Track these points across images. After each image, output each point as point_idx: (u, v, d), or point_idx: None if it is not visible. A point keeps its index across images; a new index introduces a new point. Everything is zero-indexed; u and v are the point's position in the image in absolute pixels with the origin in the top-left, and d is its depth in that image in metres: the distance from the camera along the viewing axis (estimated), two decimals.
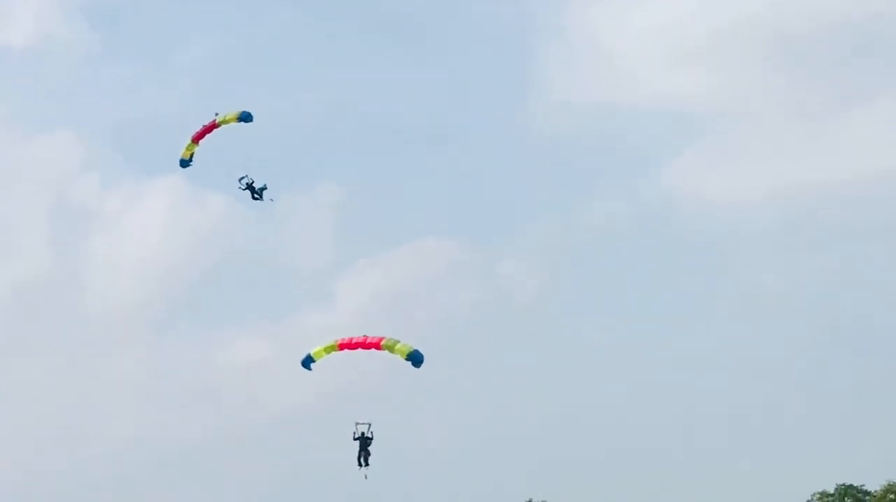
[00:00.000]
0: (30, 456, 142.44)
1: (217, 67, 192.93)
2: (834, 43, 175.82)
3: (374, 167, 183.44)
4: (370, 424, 53.00)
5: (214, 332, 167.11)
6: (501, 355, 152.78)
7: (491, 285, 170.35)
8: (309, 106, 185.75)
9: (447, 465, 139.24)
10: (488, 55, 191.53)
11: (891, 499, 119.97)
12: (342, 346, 50.72)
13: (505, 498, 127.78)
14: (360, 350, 50.37)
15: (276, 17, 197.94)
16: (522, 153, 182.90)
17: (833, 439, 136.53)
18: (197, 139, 57.91)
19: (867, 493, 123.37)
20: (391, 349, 50.42)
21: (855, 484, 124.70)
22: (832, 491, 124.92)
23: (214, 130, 56.78)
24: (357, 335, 51.55)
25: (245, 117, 56.00)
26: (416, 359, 50.98)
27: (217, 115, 56.79)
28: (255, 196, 57.89)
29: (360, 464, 53.34)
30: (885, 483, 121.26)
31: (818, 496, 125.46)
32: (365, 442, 53.66)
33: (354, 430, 53.76)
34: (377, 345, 50.35)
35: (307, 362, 51.75)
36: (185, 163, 59.08)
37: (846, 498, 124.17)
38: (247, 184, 58.30)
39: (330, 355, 50.78)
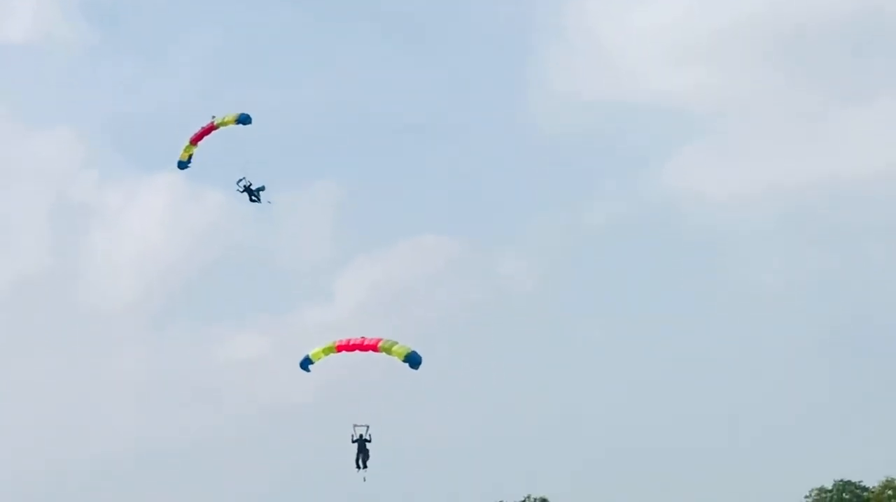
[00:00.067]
0: (28, 452, 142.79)
1: (216, 64, 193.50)
2: (833, 42, 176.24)
3: (374, 164, 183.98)
4: (368, 427, 53.09)
5: (213, 329, 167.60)
6: (500, 352, 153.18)
7: (490, 283, 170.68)
8: (308, 103, 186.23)
9: (445, 462, 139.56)
10: (488, 53, 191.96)
11: (888, 496, 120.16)
12: (340, 348, 50.92)
13: (504, 495, 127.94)
14: (357, 352, 50.65)
15: (275, 14, 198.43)
16: (522, 151, 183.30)
17: (831, 436, 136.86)
18: (195, 141, 58.01)
19: (865, 489, 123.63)
20: (388, 351, 50.57)
21: (853, 481, 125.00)
22: (830, 488, 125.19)
23: (213, 132, 56.93)
24: (355, 336, 51.77)
25: (243, 119, 56.03)
26: (413, 360, 51.09)
27: (214, 117, 56.90)
28: (253, 198, 57.94)
29: (358, 467, 53.30)
30: (883, 479, 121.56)
31: (816, 492, 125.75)
32: (363, 444, 53.60)
33: (352, 433, 53.77)
34: (374, 347, 50.53)
35: (305, 364, 51.95)
36: (183, 164, 59.17)
37: (844, 495, 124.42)
38: (245, 186, 58.32)
39: (328, 357, 50.98)
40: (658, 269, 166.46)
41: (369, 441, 53.18)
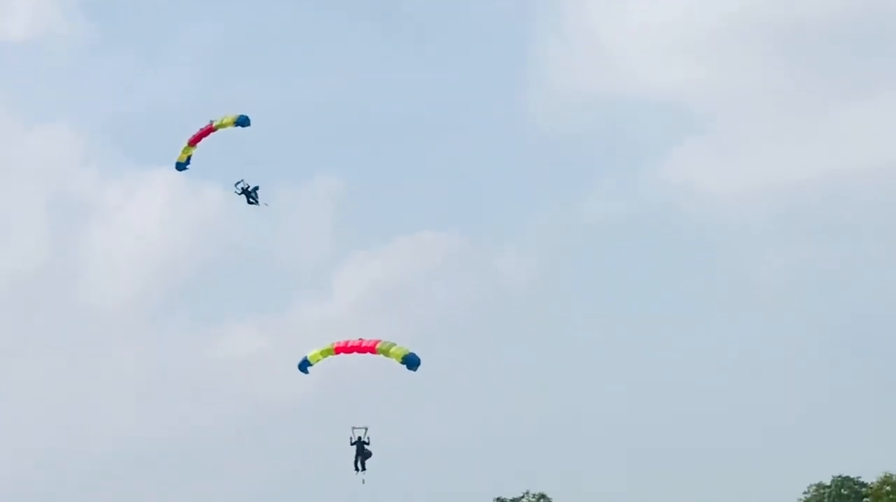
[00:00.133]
0: (27, 449, 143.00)
1: (215, 61, 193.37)
2: (831, 38, 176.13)
3: (372, 161, 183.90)
4: (366, 429, 53.15)
5: (213, 325, 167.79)
6: (499, 349, 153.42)
7: (488, 279, 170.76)
8: (307, 99, 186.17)
9: (443, 458, 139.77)
10: (486, 49, 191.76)
11: (887, 491, 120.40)
12: (338, 350, 51.07)
13: (502, 491, 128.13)
14: (355, 353, 50.81)
15: (273, 10, 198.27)
16: (520, 147, 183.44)
17: (830, 432, 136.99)
18: (193, 142, 58.11)
19: (864, 485, 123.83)
20: (387, 352, 50.69)
21: (851, 476, 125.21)
22: (829, 483, 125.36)
23: (211, 134, 57.00)
24: (353, 337, 51.93)
25: (242, 121, 56.02)
26: (411, 361, 51.23)
27: (213, 121, 56.97)
28: (251, 200, 58.08)
29: (357, 469, 53.31)
30: (882, 475, 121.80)
31: (815, 488, 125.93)
32: (362, 446, 53.56)
33: (351, 435, 53.74)
34: (373, 349, 50.71)
35: (303, 365, 52.06)
36: (181, 166, 59.22)
37: (843, 490, 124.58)
38: (242, 188, 58.46)
39: (326, 358, 51.13)
40: (657, 266, 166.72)
41: (368, 443, 53.26)
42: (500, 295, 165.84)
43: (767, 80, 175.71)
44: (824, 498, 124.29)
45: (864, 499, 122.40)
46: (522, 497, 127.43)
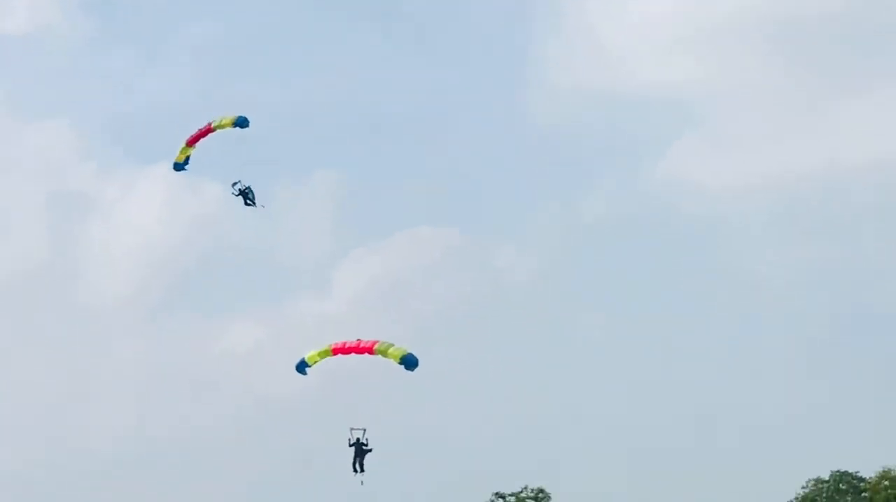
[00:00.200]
0: (25, 445, 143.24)
1: (214, 57, 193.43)
2: (830, 34, 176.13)
3: (371, 157, 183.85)
4: (365, 430, 53.12)
5: (212, 320, 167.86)
6: (497, 344, 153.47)
7: (487, 275, 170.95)
8: (306, 97, 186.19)
9: (442, 453, 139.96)
10: (485, 45, 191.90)
11: (885, 486, 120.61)
12: (336, 351, 51.16)
13: (501, 486, 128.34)
14: (353, 354, 50.95)
15: (274, 8, 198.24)
16: (518, 143, 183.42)
17: (828, 427, 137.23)
18: (191, 142, 58.19)
19: (862, 480, 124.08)
20: (385, 353, 50.78)
21: (850, 471, 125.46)
22: (827, 478, 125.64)
23: (209, 134, 57.08)
24: (351, 338, 52.07)
25: (241, 122, 56.06)
26: (409, 362, 51.31)
27: (212, 122, 57.03)
28: (248, 202, 58.20)
29: (355, 470, 53.19)
30: (880, 469, 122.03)
31: (813, 483, 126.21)
32: (360, 448, 53.48)
33: (349, 437, 53.57)
34: (370, 350, 50.83)
35: (301, 367, 52.13)
36: (179, 166, 59.28)
37: (841, 485, 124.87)
38: (240, 189, 58.56)
39: (324, 359, 51.26)
40: (656, 263, 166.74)
41: (366, 445, 53.19)
42: (500, 291, 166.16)
43: (766, 77, 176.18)
44: (822, 493, 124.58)
45: (863, 494, 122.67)
46: (521, 491, 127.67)
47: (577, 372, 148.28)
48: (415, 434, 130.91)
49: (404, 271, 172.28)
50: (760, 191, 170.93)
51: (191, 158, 59.55)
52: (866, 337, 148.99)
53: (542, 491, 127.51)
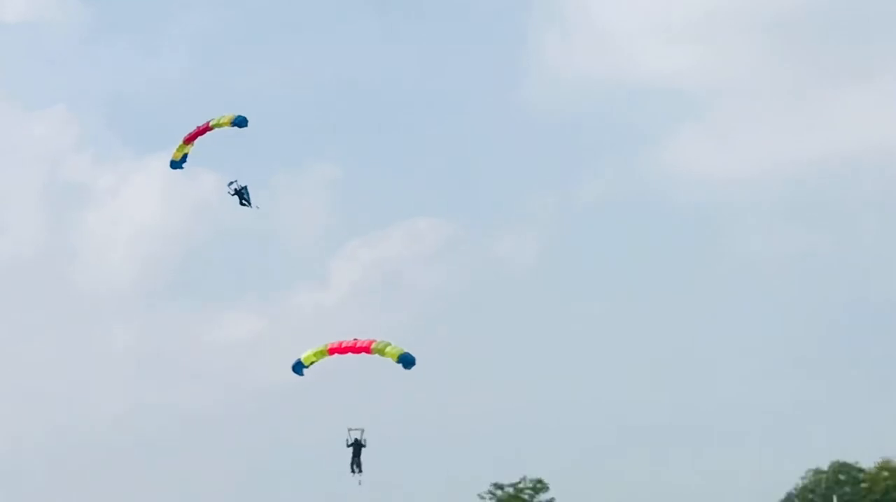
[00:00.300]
0: (23, 432, 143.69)
1: (211, 44, 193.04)
2: (829, 20, 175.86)
3: (370, 147, 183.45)
4: (363, 430, 52.98)
5: (208, 310, 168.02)
6: (496, 333, 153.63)
7: (485, 264, 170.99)
8: (303, 86, 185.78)
9: (441, 443, 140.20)
10: (484, 33, 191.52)
11: (884, 477, 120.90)
12: (332, 351, 50.99)
13: (500, 476, 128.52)
14: (350, 354, 50.87)
15: None
16: (517, 131, 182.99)
17: (827, 417, 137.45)
18: (189, 140, 57.95)
19: (861, 470, 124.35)
20: (382, 352, 50.66)
21: (849, 462, 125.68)
22: (826, 469, 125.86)
23: (207, 133, 56.87)
24: (347, 337, 51.99)
25: (239, 122, 55.76)
26: (406, 361, 51.21)
27: (210, 121, 56.83)
28: (243, 202, 58.07)
29: (353, 471, 52.95)
30: (879, 460, 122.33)
31: (812, 473, 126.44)
32: (358, 448, 53.13)
33: (347, 437, 53.12)
34: (367, 349, 50.73)
35: (298, 368, 51.97)
36: (176, 164, 59.06)
37: (840, 476, 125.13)
38: (235, 189, 58.41)
39: (322, 360, 51.16)
40: (655, 249, 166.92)
41: (364, 445, 53.01)
42: (498, 279, 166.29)
43: (766, 66, 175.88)
44: (822, 483, 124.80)
45: (861, 485, 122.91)
46: (519, 482, 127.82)
47: (577, 360, 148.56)
48: (413, 424, 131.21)
49: (402, 262, 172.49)
50: (760, 179, 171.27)
51: (188, 156, 59.32)
52: (867, 327, 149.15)
53: (540, 481, 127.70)
